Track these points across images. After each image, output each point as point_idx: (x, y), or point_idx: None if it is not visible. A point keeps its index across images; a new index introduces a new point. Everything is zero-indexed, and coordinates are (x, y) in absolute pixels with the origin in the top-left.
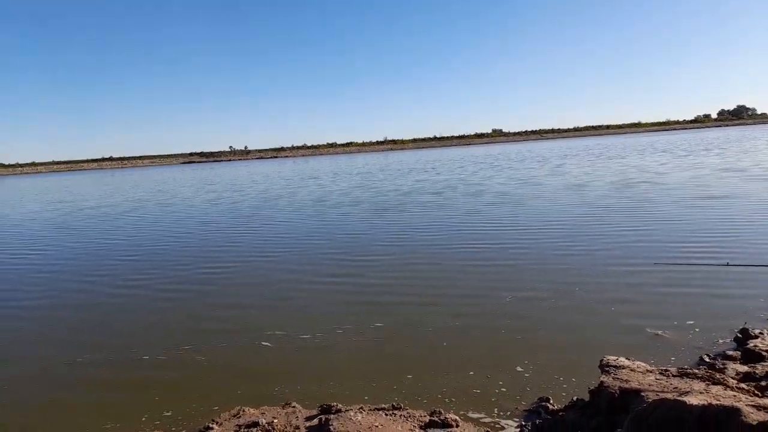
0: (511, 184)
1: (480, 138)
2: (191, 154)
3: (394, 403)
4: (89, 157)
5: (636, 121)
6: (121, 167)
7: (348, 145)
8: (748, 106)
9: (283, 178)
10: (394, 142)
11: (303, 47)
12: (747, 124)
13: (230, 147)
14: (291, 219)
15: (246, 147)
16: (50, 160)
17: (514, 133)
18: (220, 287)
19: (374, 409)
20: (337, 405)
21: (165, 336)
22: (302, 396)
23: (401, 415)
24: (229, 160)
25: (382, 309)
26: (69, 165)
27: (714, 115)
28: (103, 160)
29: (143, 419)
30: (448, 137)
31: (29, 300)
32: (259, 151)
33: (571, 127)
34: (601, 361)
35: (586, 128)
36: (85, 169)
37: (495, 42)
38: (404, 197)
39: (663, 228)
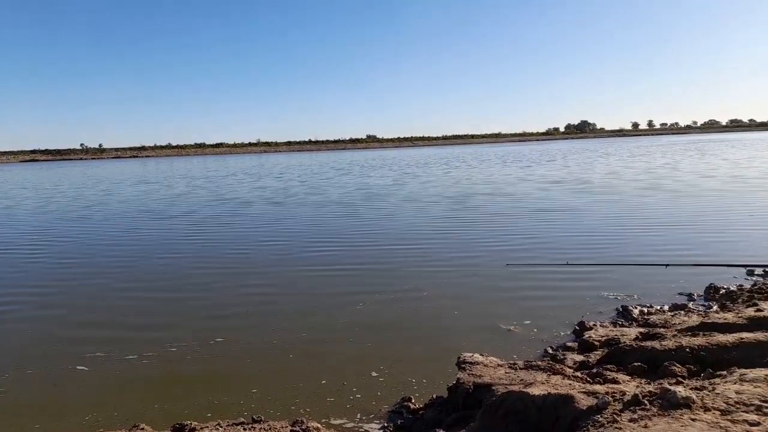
0: (356, 193)
1: (354, 143)
2: (34, 152)
3: (254, 416)
4: None
5: (497, 132)
6: None
7: (218, 146)
8: (589, 121)
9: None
10: (268, 144)
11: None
12: (588, 138)
13: (82, 145)
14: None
15: (101, 145)
16: None
17: (388, 140)
18: None
19: (232, 424)
20: (191, 424)
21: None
22: (150, 416)
23: (261, 428)
24: (81, 159)
25: (222, 322)
26: None
27: (562, 129)
28: None
29: None
30: (323, 141)
31: None
32: (116, 149)
33: (440, 135)
34: (458, 358)
35: (454, 137)
36: None
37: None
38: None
39: (513, 235)
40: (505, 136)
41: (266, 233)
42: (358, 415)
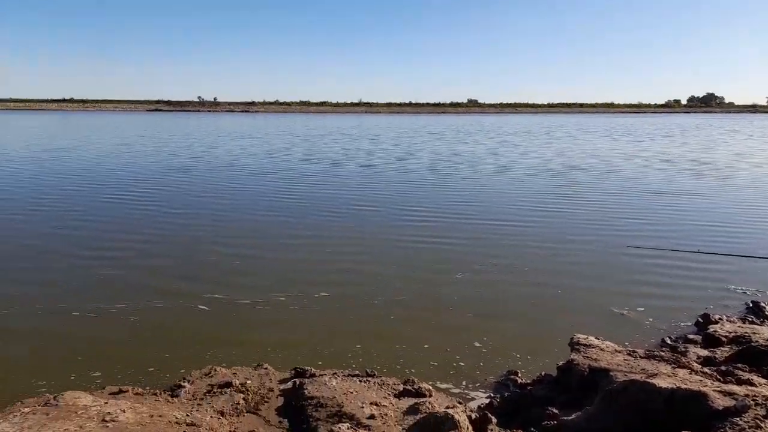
0: (448, 160)
1: (455, 107)
2: (158, 102)
3: (367, 370)
4: (49, 97)
5: (609, 102)
6: (84, 110)
7: (322, 104)
8: (717, 94)
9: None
10: (369, 104)
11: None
12: (714, 112)
13: (199, 97)
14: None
15: (215, 98)
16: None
17: (489, 105)
18: (179, 246)
19: (348, 375)
20: (310, 369)
21: (135, 292)
22: (273, 359)
23: (375, 382)
24: (198, 111)
25: (323, 278)
26: (27, 104)
27: (684, 101)
28: (64, 101)
29: (113, 374)
30: (423, 104)
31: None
32: (229, 103)
33: (545, 102)
34: (571, 339)
35: (561, 105)
36: (44, 110)
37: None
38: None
39: (630, 218)
40: (617, 106)
41: (357, 197)
42: (464, 382)
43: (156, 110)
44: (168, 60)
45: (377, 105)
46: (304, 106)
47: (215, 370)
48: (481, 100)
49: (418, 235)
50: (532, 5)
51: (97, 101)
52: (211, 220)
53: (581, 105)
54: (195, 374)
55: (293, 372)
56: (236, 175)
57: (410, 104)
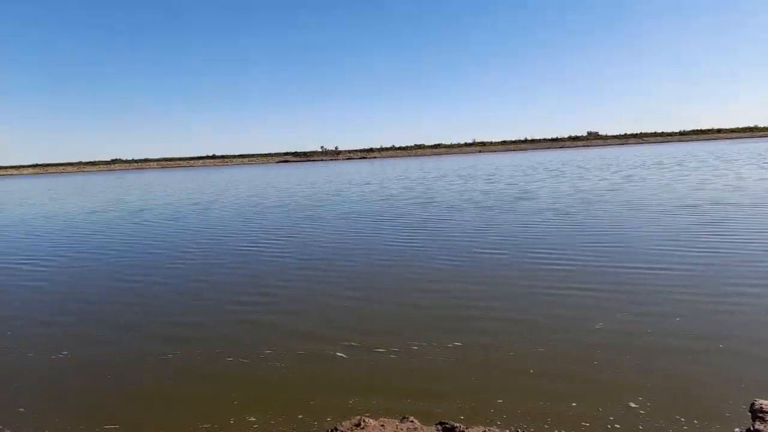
0: (570, 198)
1: (573, 141)
2: (286, 154)
3: (516, 429)
4: (193, 155)
5: (752, 125)
6: (224, 165)
7: (436, 146)
8: None
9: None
10: (482, 144)
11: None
12: None
13: (321, 147)
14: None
15: (336, 147)
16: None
17: (612, 137)
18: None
19: None
20: (459, 426)
21: (278, 338)
22: (415, 410)
23: None
24: (321, 160)
25: (467, 327)
26: (175, 161)
27: None
28: (207, 158)
29: (267, 419)
30: (539, 140)
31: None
32: (349, 151)
33: (676, 131)
34: (752, 405)
35: (694, 132)
36: (191, 167)
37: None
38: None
39: None
40: (762, 130)
41: (478, 242)
42: None
43: (284, 161)
44: (295, 111)
45: (491, 144)
46: (419, 149)
47: (365, 422)
48: (601, 132)
49: (549, 281)
50: (656, 23)
51: (234, 156)
52: (332, 266)
53: (718, 130)
54: (345, 425)
55: (440, 427)
56: (356, 223)
57: (526, 141)
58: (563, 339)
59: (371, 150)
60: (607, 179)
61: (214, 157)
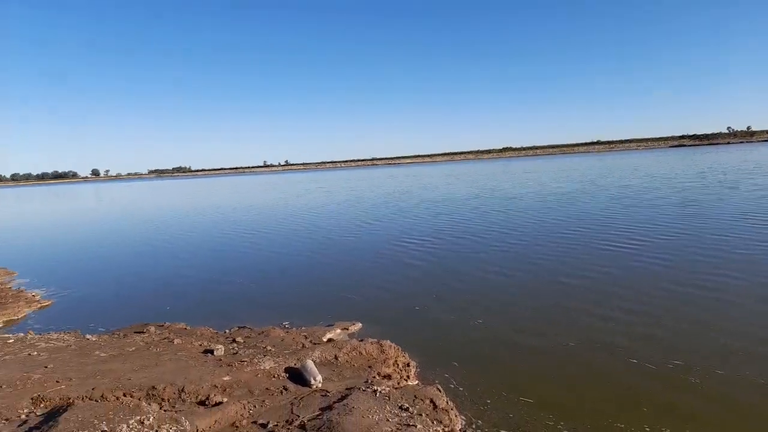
0: None
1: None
2: (682, 137)
3: None
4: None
5: None
6: (610, 150)
7: None
8: None
9: None
10: None
11: None
12: None
13: (729, 128)
14: None
15: (749, 127)
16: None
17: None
18: None
19: None
20: None
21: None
22: None
23: None
24: (728, 143)
25: None
26: (561, 149)
27: None
28: (595, 143)
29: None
30: None
31: None
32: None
33: None
34: None
35: None
36: (575, 153)
37: None
38: None
39: None
40: None
41: None
42: None
43: (680, 146)
44: (693, 88)
45: None
46: None
47: None
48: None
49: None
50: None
51: (621, 141)
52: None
53: None
54: None
55: None
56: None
57: None
58: None
59: None
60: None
61: (599, 143)
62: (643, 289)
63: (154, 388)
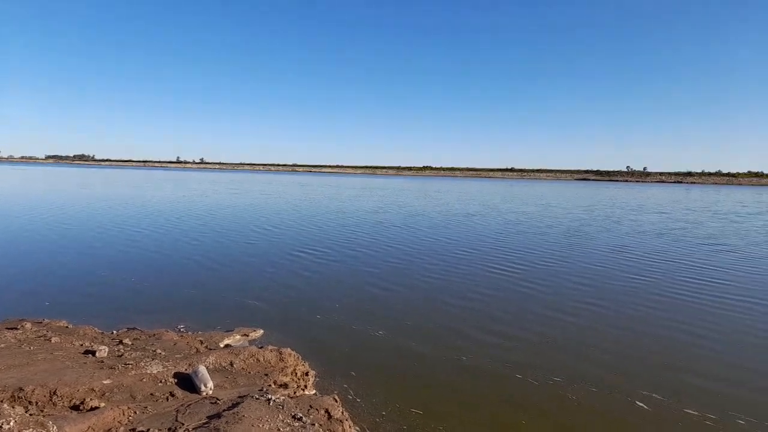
0: None
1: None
2: (587, 171)
3: None
4: (495, 166)
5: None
6: (521, 178)
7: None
8: None
9: None
10: None
11: None
12: None
13: (627, 167)
14: None
15: (645, 168)
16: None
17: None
18: None
19: None
20: None
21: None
22: None
23: None
24: (625, 181)
25: None
26: (477, 172)
27: None
28: (509, 170)
29: None
30: None
31: None
32: (660, 174)
33: None
34: None
35: None
36: (491, 177)
37: None
38: None
39: None
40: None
41: None
42: None
43: (584, 179)
44: (601, 129)
45: None
46: (754, 177)
47: None
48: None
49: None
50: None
51: (530, 170)
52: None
53: None
54: None
55: None
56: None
57: None
58: None
59: (689, 174)
60: None
61: (512, 170)
62: (519, 312)
63: (21, 389)
